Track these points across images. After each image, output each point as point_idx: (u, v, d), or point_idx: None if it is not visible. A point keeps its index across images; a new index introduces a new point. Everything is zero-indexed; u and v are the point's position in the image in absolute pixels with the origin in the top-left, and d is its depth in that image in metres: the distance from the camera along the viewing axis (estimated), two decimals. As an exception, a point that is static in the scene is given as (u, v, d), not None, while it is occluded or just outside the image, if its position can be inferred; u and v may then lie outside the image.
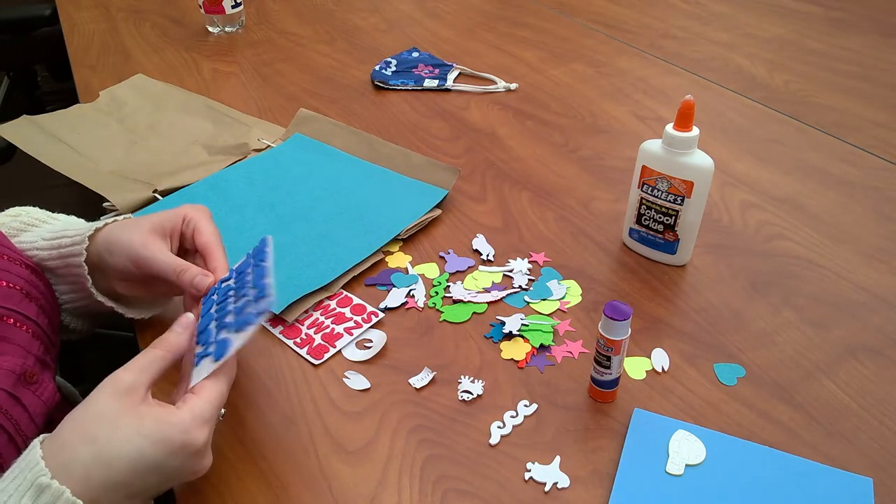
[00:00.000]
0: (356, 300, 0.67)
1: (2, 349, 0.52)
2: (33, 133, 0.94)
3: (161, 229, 0.58)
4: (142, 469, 0.42)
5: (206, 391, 0.46)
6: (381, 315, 0.66)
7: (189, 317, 0.51)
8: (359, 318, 0.65)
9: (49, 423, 0.54)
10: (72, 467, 0.41)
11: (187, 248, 0.60)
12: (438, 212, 0.79)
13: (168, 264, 0.56)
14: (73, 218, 0.68)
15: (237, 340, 0.47)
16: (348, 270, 0.70)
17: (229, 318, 0.49)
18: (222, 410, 0.48)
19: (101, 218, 0.78)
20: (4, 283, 0.54)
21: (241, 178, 0.85)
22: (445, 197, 0.81)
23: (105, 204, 0.79)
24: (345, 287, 0.69)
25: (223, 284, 0.54)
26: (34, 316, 0.55)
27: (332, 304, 0.67)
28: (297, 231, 0.75)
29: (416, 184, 0.82)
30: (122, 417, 0.43)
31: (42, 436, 0.44)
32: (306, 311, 0.66)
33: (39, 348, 0.55)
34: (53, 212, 0.71)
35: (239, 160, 0.89)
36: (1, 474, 0.47)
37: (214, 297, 0.53)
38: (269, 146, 0.92)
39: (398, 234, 0.75)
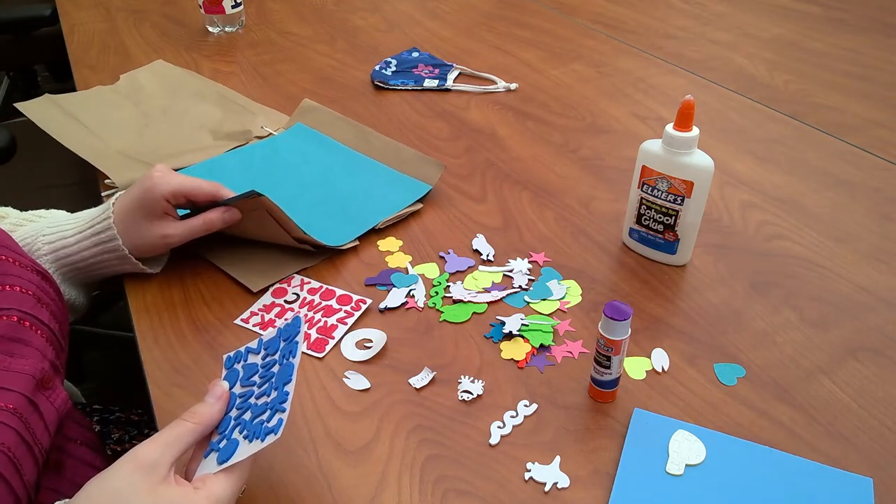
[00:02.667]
0: (339, 291, 0.68)
1: (22, 352, 0.51)
2: (52, 111, 0.98)
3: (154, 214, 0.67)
4: None
5: (225, 474, 0.45)
6: (370, 301, 0.66)
7: (223, 386, 0.49)
8: (348, 308, 0.66)
9: (58, 430, 0.54)
10: None
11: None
12: (420, 206, 0.81)
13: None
14: (55, 211, 0.70)
15: (243, 451, 0.45)
16: (319, 253, 0.72)
17: (247, 416, 0.47)
18: (243, 487, 0.47)
19: (102, 194, 0.82)
20: (18, 289, 0.54)
21: (237, 163, 0.87)
22: (444, 197, 0.81)
23: (106, 181, 0.83)
24: (327, 281, 0.70)
25: (249, 358, 0.51)
26: (47, 321, 0.55)
27: (316, 298, 0.67)
28: None
29: (402, 178, 0.83)
30: (138, 498, 0.41)
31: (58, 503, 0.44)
32: (273, 286, 0.68)
33: (52, 353, 0.55)
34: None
35: (240, 146, 0.91)
36: (21, 483, 0.47)
37: (239, 367, 0.51)
38: (270, 134, 0.94)
39: (375, 226, 0.76)
